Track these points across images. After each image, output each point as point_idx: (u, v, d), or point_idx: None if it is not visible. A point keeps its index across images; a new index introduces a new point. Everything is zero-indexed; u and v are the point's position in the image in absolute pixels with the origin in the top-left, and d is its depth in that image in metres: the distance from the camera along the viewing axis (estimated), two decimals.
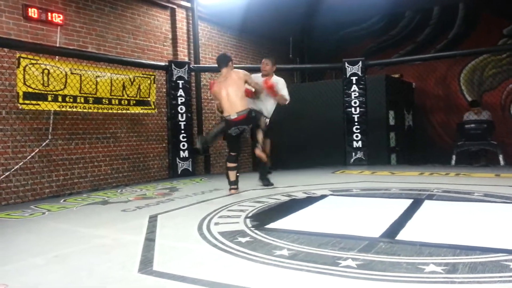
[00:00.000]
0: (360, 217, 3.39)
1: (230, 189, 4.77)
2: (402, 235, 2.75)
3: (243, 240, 2.79)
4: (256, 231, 3.01)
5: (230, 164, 4.84)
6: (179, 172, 6.66)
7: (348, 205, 3.98)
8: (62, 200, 4.85)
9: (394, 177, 5.65)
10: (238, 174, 4.87)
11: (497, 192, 4.13)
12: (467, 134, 7.13)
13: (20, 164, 5.03)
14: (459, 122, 7.46)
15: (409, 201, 3.80)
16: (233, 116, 4.64)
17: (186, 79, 6.81)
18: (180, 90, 6.73)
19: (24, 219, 3.89)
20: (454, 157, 7.17)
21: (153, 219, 3.55)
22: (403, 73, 9.40)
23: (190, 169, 6.78)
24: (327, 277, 2.09)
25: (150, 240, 2.90)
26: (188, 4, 7.50)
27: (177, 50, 7.37)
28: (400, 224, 3.01)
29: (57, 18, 5.49)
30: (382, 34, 9.83)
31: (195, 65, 7.27)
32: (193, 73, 7.26)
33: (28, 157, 5.12)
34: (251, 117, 4.73)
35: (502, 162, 6.79)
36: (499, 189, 4.28)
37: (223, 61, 4.80)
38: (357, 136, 7.15)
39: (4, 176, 4.88)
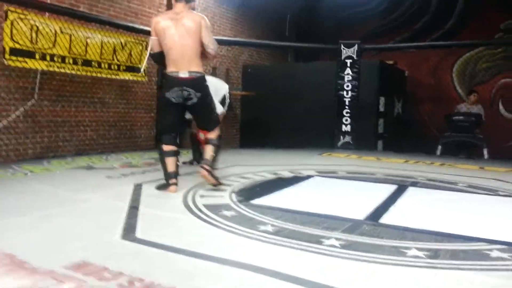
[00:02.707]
0: (344, 199, 3.42)
1: (169, 184, 3.40)
2: (385, 219, 2.78)
3: (228, 213, 2.79)
4: (241, 206, 3.01)
5: (166, 147, 3.42)
6: None
7: (334, 186, 4.00)
8: (46, 162, 4.78)
9: (380, 162, 5.70)
10: (179, 163, 3.57)
11: (480, 184, 4.20)
12: (454, 126, 7.19)
13: (4, 122, 4.91)
14: (447, 114, 7.50)
15: (394, 187, 3.84)
16: (183, 73, 3.30)
17: None
18: None
19: (6, 178, 3.82)
20: (439, 147, 7.24)
21: (138, 187, 3.52)
22: (397, 60, 9.37)
23: (177, 140, 6.70)
24: (310, 254, 2.10)
25: (134, 207, 2.88)
26: None
27: None
28: (384, 208, 3.04)
29: None
30: (380, 18, 9.74)
31: None
32: None
33: (12, 116, 4.99)
34: (204, 86, 3.43)
35: (486, 156, 6.88)
36: (483, 181, 4.35)
37: None
38: (346, 120, 7.15)
39: None
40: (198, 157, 4.87)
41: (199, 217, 2.71)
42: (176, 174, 3.43)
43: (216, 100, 4.29)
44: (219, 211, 2.83)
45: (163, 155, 3.43)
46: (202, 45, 3.37)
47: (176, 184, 3.41)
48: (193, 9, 3.54)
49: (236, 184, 3.81)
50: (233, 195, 3.35)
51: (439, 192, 3.79)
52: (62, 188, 3.48)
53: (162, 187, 3.46)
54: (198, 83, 3.35)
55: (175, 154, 3.45)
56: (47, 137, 5.40)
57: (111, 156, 5.38)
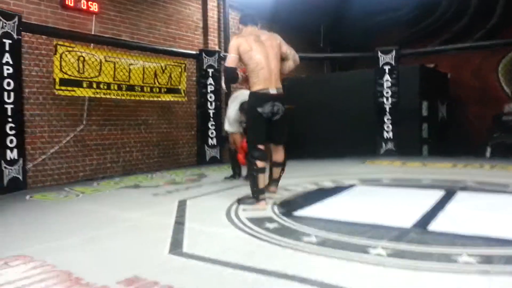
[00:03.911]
0: (390, 207, 3.34)
1: (258, 199, 3.44)
2: (434, 226, 2.70)
3: (271, 226, 2.80)
4: (284, 218, 3.01)
5: (259, 163, 3.45)
6: (207, 159, 6.74)
7: (378, 194, 3.92)
8: (96, 183, 5.00)
9: (426, 168, 5.52)
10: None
11: None
12: (504, 126, 6.86)
13: (55, 148, 5.21)
14: (495, 114, 7.17)
15: (442, 192, 3.71)
16: (272, 90, 3.49)
17: (216, 67, 6.84)
18: (210, 79, 6.78)
19: (59, 200, 4.04)
20: (489, 149, 6.93)
21: (182, 204, 3.61)
22: (438, 64, 9.10)
23: (218, 156, 6.85)
24: (356, 264, 2.07)
25: (179, 223, 2.95)
26: None
27: (208, 39, 7.40)
28: (432, 215, 2.95)
29: (93, 6, 5.60)
30: (416, 23, 9.53)
31: (225, 54, 7.28)
32: (223, 62, 7.27)
33: (64, 142, 5.29)
34: (284, 102, 3.61)
35: None
36: None
37: (253, 18, 3.77)
38: (388, 127, 7.01)
39: (40, 159, 5.06)
40: (239, 172, 4.94)
41: (243, 230, 2.75)
42: (265, 191, 3.56)
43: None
44: (263, 224, 2.85)
45: (257, 171, 3.47)
46: (282, 59, 3.66)
47: (265, 200, 3.50)
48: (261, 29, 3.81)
49: (278, 196, 3.82)
50: (275, 208, 3.36)
51: (490, 196, 3.62)
52: (111, 207, 3.63)
53: (247, 202, 3.50)
54: (283, 98, 3.58)
55: (265, 170, 3.57)
56: (96, 159, 5.68)
57: (156, 175, 5.56)
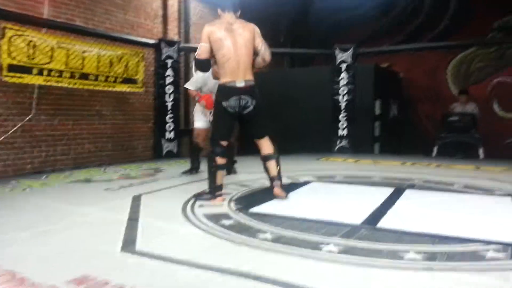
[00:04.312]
0: (342, 203, 3.44)
1: (215, 196, 3.44)
2: (383, 223, 2.80)
3: (227, 222, 2.81)
4: (240, 214, 3.03)
5: (220, 160, 3.42)
6: (163, 154, 6.64)
7: (331, 191, 4.03)
8: (44, 176, 4.80)
9: (377, 166, 5.73)
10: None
11: (477, 184, 4.23)
12: (450, 126, 7.23)
13: (1, 138, 4.93)
14: (443, 113, 7.54)
15: (391, 190, 3.87)
16: (239, 83, 3.34)
17: (175, 58, 6.73)
18: (169, 70, 6.67)
19: (4, 194, 3.84)
20: (435, 148, 7.28)
21: (136, 199, 3.54)
22: (392, 63, 9.43)
23: (175, 150, 6.76)
24: (309, 260, 2.13)
25: (133, 219, 2.90)
26: None
27: (167, 28, 7.25)
28: (381, 212, 3.07)
29: None
30: (374, 22, 9.81)
31: (185, 45, 7.17)
32: (182, 53, 7.17)
33: (10, 132, 5.02)
34: (258, 94, 3.44)
35: (482, 155, 6.92)
36: (479, 181, 4.38)
37: (233, 3, 3.55)
38: (342, 124, 7.20)
39: None
40: (197, 166, 4.88)
41: (198, 227, 2.74)
42: (222, 187, 3.48)
43: None
44: (219, 221, 2.85)
45: (215, 168, 3.40)
46: (254, 53, 3.46)
47: (222, 195, 3.45)
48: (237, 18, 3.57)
49: (234, 192, 3.84)
50: (232, 204, 3.37)
51: (435, 194, 3.82)
52: (61, 202, 3.50)
53: (204, 198, 3.45)
54: (253, 91, 3.40)
55: (224, 167, 3.50)
56: (45, 151, 5.43)
57: (109, 168, 5.41)
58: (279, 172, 3.52)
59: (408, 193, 3.80)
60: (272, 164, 3.51)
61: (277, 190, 3.47)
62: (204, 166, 3.99)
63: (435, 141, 7.36)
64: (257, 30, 3.48)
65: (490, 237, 2.43)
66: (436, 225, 2.75)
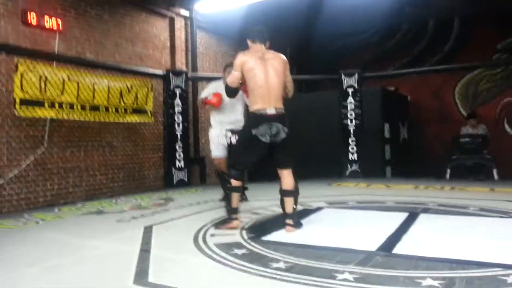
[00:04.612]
0: (356, 230, 3.39)
1: (231, 219, 3.44)
2: (398, 249, 2.75)
3: (239, 252, 2.78)
4: (253, 243, 2.99)
5: (235, 182, 3.40)
6: (174, 182, 6.64)
7: (344, 217, 3.98)
8: (57, 209, 4.82)
9: (389, 190, 5.67)
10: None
11: (492, 207, 4.15)
12: (462, 148, 7.17)
13: (14, 172, 4.99)
14: (454, 136, 7.50)
15: (405, 215, 3.81)
16: (270, 110, 3.32)
17: (184, 88, 6.82)
18: (177, 99, 6.75)
19: (17, 228, 3.85)
20: (448, 170, 7.19)
21: (148, 230, 3.52)
22: (398, 86, 9.47)
23: (186, 179, 6.76)
24: None
25: (145, 251, 2.88)
26: (187, 13, 7.54)
27: (175, 58, 7.39)
28: (396, 238, 3.02)
29: (56, 24, 5.48)
30: (378, 47, 9.92)
31: (192, 74, 7.29)
32: (190, 82, 7.28)
33: (23, 165, 5.08)
34: (287, 122, 3.41)
35: (496, 177, 6.82)
36: (494, 204, 4.30)
37: (263, 35, 3.53)
38: (352, 148, 7.18)
39: None
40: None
41: (210, 257, 2.71)
42: (238, 210, 3.45)
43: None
44: (231, 250, 2.82)
45: (230, 190, 3.41)
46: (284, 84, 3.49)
47: (237, 219, 3.45)
48: (269, 49, 3.63)
49: (246, 220, 3.80)
50: (244, 232, 3.34)
51: (451, 218, 3.75)
52: (73, 235, 3.50)
53: (221, 224, 3.45)
54: (284, 119, 3.38)
55: (241, 190, 3.49)
56: (57, 184, 5.47)
57: (120, 199, 5.42)
58: (294, 210, 3.43)
59: (422, 217, 3.73)
60: (289, 201, 3.41)
61: (289, 228, 3.34)
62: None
63: (448, 163, 7.28)
64: (287, 62, 3.52)
65: (510, 261, 2.37)
66: (453, 249, 2.69)
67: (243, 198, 4.67)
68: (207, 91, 4.82)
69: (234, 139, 4.63)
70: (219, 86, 4.68)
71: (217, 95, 4.57)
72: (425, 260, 2.47)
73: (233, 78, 3.45)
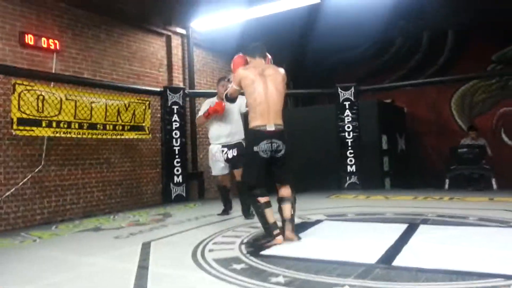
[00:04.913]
0: (355, 242, 3.36)
1: (274, 235, 3.32)
2: (398, 261, 2.73)
3: (238, 267, 2.75)
4: (252, 258, 2.97)
5: (263, 199, 3.35)
6: (172, 198, 6.61)
7: (344, 230, 3.96)
8: (54, 227, 4.78)
9: (388, 201, 5.65)
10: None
11: (491, 216, 4.14)
12: (460, 159, 7.19)
13: (12, 190, 4.97)
14: (452, 147, 7.53)
15: (404, 226, 3.79)
16: (270, 127, 3.34)
17: (181, 104, 6.85)
18: (175, 115, 6.77)
19: (14, 247, 3.82)
20: (447, 181, 7.20)
21: (146, 246, 3.49)
22: (395, 98, 9.53)
23: (184, 194, 6.74)
24: None
25: (143, 267, 2.85)
26: (184, 31, 7.63)
27: (172, 76, 7.45)
28: (396, 249, 3.00)
29: (53, 44, 5.53)
30: (373, 60, 10.01)
31: (190, 91, 7.33)
32: (188, 99, 7.32)
33: (20, 184, 5.06)
34: (286, 139, 3.45)
35: (495, 186, 6.82)
36: (494, 213, 4.29)
37: (262, 49, 3.57)
38: (351, 161, 7.18)
39: None
40: (230, 206, 4.95)
41: (209, 272, 2.68)
42: (277, 224, 3.36)
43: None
44: (229, 265, 2.79)
45: (261, 207, 3.33)
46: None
47: (280, 234, 3.33)
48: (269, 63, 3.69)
49: (245, 234, 3.78)
50: (243, 247, 3.31)
51: (450, 228, 3.74)
52: (70, 252, 3.46)
53: (263, 244, 3.29)
54: (283, 135, 3.40)
55: (270, 204, 3.40)
56: (54, 201, 5.46)
57: (118, 216, 5.38)
58: (292, 216, 3.44)
59: (422, 228, 3.72)
60: (287, 207, 3.43)
61: (288, 233, 3.36)
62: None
63: (446, 174, 7.29)
64: (285, 77, 3.53)
65: (511, 271, 2.35)
66: (453, 260, 2.67)
67: (250, 217, 4.57)
68: (203, 109, 4.83)
69: (231, 154, 4.63)
70: (213, 100, 4.74)
71: (218, 103, 4.57)
72: (425, 272, 2.45)
73: (230, 90, 3.57)
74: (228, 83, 4.32)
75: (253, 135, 3.39)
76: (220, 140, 4.68)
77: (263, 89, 3.35)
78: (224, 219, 4.65)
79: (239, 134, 4.70)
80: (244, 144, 4.55)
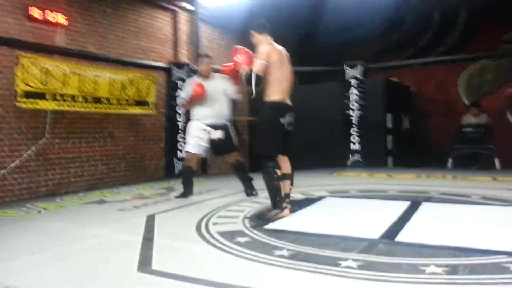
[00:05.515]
0: (358, 218, 3.39)
1: (283, 208, 3.44)
2: (401, 237, 2.75)
3: (242, 240, 2.78)
4: (255, 231, 3.00)
5: (279, 171, 3.45)
6: (176, 172, 6.64)
7: (347, 206, 3.98)
8: (59, 198, 4.83)
9: (391, 179, 5.66)
10: None
11: (494, 195, 4.14)
12: (465, 138, 7.15)
13: (16, 162, 5.00)
14: (458, 126, 7.47)
15: (407, 203, 3.81)
16: (289, 101, 3.53)
17: (186, 80, 6.79)
18: (179, 91, 6.72)
19: (20, 217, 3.86)
20: (450, 160, 7.19)
21: (150, 219, 3.53)
22: (403, 77, 9.42)
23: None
24: (328, 277, 2.08)
25: (148, 239, 2.89)
26: (191, 7, 7.49)
27: (178, 52, 7.36)
28: (399, 226, 3.02)
29: (61, 18, 5.45)
30: (383, 38, 9.83)
31: (195, 67, 7.25)
32: (193, 74, 7.24)
33: (25, 155, 5.08)
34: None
35: (498, 166, 6.81)
36: (497, 192, 4.30)
37: (267, 27, 3.60)
38: (354, 139, 7.16)
39: (0, 174, 4.84)
40: (191, 190, 4.67)
41: (213, 245, 2.71)
42: (285, 197, 3.47)
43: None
44: (233, 238, 2.82)
45: (279, 179, 3.41)
46: None
47: (288, 207, 3.45)
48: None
49: (248, 209, 3.81)
50: (246, 221, 3.34)
51: (453, 206, 3.75)
52: (75, 224, 3.50)
53: (271, 215, 3.37)
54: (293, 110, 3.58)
55: (286, 177, 3.51)
56: (58, 173, 5.47)
57: (122, 189, 5.42)
58: (290, 191, 3.61)
59: (425, 206, 3.73)
60: (288, 183, 3.55)
61: (289, 207, 3.51)
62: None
63: (450, 153, 7.27)
64: None
65: None
66: (456, 237, 2.69)
67: (253, 192, 4.57)
68: (185, 91, 4.63)
69: (214, 135, 4.47)
70: (195, 80, 4.59)
71: (199, 85, 4.41)
72: (428, 248, 2.47)
73: (259, 66, 3.37)
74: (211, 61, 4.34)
75: (279, 108, 3.46)
76: (206, 120, 4.49)
77: (286, 66, 3.50)
78: (226, 195, 4.66)
79: (225, 116, 4.56)
80: (229, 126, 4.53)
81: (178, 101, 6.70)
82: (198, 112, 4.55)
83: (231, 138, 4.57)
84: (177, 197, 4.63)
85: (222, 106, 4.56)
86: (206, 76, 4.57)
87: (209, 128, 4.47)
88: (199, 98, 4.42)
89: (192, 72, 7.02)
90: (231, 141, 4.57)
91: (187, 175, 4.72)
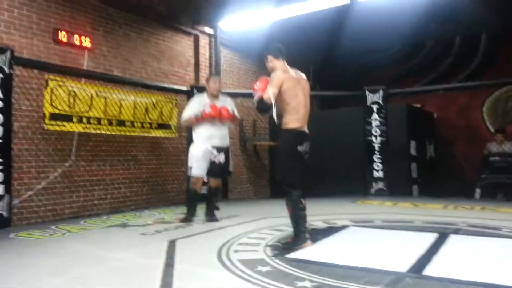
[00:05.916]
0: (384, 249, 3.29)
1: (306, 239, 3.33)
2: (429, 270, 2.65)
3: (263, 269, 2.73)
4: (277, 261, 2.94)
5: (304, 202, 3.37)
6: None
7: (371, 236, 3.87)
8: (82, 221, 4.87)
9: (417, 209, 5.51)
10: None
11: None
12: (492, 167, 6.96)
13: (43, 183, 5.10)
14: (484, 155, 7.28)
15: (434, 235, 3.68)
16: (306, 129, 3.48)
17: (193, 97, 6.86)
18: None
19: (44, 239, 3.91)
20: (478, 190, 6.97)
21: (172, 244, 3.52)
22: (424, 103, 9.31)
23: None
24: None
25: (169, 265, 2.87)
26: (211, 31, 7.67)
27: (199, 75, 7.49)
28: (426, 259, 2.91)
29: (86, 41, 5.65)
30: (403, 63, 9.81)
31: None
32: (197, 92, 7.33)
33: (51, 177, 5.18)
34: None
35: None
36: None
37: (283, 52, 3.56)
38: (377, 166, 7.05)
39: (27, 195, 4.93)
40: (194, 213, 4.66)
41: (234, 273, 2.67)
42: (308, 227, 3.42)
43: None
44: (255, 267, 2.77)
45: (302, 209, 3.34)
46: None
47: (310, 238, 3.37)
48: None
49: (269, 237, 3.76)
50: (268, 249, 3.29)
51: (483, 239, 3.60)
52: (98, 247, 3.52)
53: (294, 245, 3.30)
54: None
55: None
56: (83, 196, 5.56)
57: (144, 213, 5.45)
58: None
59: (453, 238, 3.60)
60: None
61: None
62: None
63: (477, 182, 7.07)
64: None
65: None
66: (486, 272, 2.57)
67: (212, 220, 4.55)
68: (192, 107, 4.56)
69: (220, 159, 4.46)
70: (204, 99, 4.56)
71: (213, 106, 4.40)
72: (457, 283, 2.37)
73: (270, 94, 3.33)
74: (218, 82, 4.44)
75: (298, 136, 3.43)
76: (213, 142, 4.46)
77: (303, 94, 3.45)
78: (247, 221, 4.61)
79: (228, 138, 4.58)
80: (230, 150, 4.56)
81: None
82: (205, 132, 4.48)
83: (229, 162, 4.57)
84: (181, 221, 4.60)
85: (226, 127, 4.60)
86: (215, 96, 4.56)
87: (215, 152, 4.47)
88: (212, 119, 4.41)
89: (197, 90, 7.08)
90: (228, 166, 4.56)
91: (193, 199, 4.67)
